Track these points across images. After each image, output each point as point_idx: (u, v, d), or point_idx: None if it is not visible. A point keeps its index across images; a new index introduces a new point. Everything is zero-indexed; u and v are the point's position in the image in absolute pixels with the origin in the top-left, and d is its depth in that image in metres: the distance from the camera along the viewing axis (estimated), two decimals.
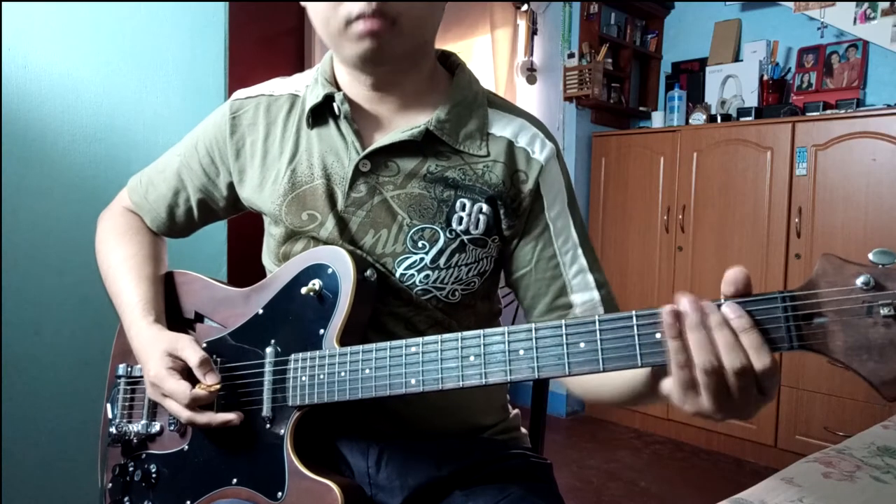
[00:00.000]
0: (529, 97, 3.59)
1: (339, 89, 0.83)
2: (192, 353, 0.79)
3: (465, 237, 0.81)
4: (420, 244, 0.80)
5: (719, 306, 0.54)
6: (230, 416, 0.77)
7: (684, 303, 0.55)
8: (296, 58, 2.94)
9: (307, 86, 0.87)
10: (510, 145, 0.83)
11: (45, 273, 1.41)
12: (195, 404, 0.77)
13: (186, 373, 0.79)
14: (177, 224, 0.97)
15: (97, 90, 1.46)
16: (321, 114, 0.84)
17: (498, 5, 3.43)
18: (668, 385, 0.59)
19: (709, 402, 0.56)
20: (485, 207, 0.81)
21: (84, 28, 1.43)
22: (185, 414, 0.78)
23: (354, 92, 0.84)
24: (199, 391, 0.77)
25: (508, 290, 0.90)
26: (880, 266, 0.49)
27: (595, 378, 0.77)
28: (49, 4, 1.38)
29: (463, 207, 0.81)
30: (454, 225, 0.81)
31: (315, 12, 0.76)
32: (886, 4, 2.85)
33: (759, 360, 0.53)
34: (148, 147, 1.53)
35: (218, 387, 0.78)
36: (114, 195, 1.04)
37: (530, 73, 3.53)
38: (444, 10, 0.81)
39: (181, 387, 0.77)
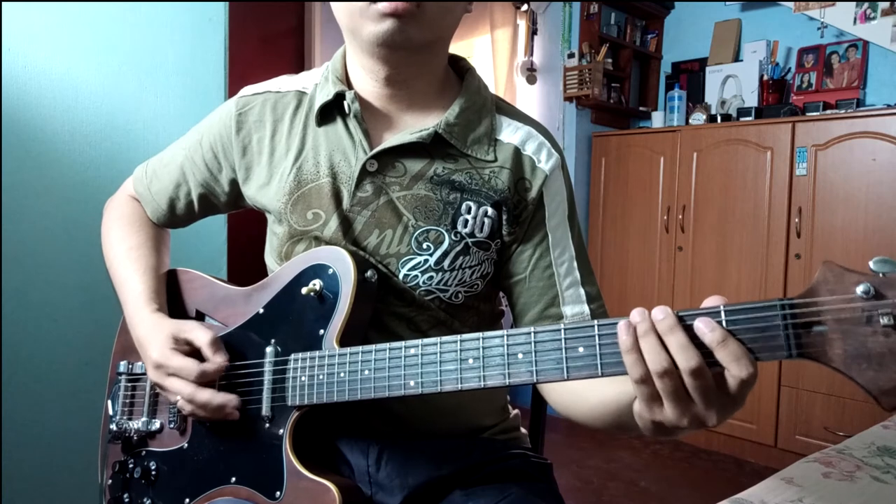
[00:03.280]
0: (529, 97, 3.59)
1: (349, 88, 0.83)
2: (201, 333, 0.79)
3: (469, 240, 0.81)
4: (425, 246, 0.80)
5: (683, 318, 0.55)
6: (230, 397, 0.77)
7: (634, 314, 0.56)
8: (296, 58, 2.94)
9: (316, 83, 0.87)
10: (517, 152, 0.83)
11: (45, 273, 1.41)
12: (202, 380, 0.77)
13: (190, 356, 0.79)
14: (177, 216, 0.98)
15: (97, 90, 1.46)
16: (329, 112, 0.84)
17: (498, 5, 3.43)
18: (636, 404, 0.59)
19: (671, 410, 0.56)
20: (490, 211, 0.81)
21: (84, 28, 1.43)
22: (187, 390, 0.77)
23: (365, 89, 0.84)
24: (207, 366, 0.77)
25: None
26: (881, 275, 0.48)
27: (572, 392, 0.78)
28: (49, 5, 1.38)
29: (468, 210, 0.81)
30: (459, 228, 0.81)
31: None
32: (886, 4, 2.85)
33: (742, 370, 0.53)
34: (148, 147, 1.53)
35: (226, 364, 0.78)
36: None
37: (530, 73, 3.53)
38: (463, 13, 0.82)
39: (188, 363, 0.78)
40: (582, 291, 0.84)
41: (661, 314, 0.55)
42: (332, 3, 0.78)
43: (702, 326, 0.54)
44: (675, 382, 0.55)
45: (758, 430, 2.88)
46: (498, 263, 0.85)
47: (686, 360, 0.53)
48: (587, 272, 0.86)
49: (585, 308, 0.84)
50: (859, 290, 0.49)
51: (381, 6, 0.71)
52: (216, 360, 0.78)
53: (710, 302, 0.55)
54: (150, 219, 0.99)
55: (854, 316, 0.49)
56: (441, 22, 0.77)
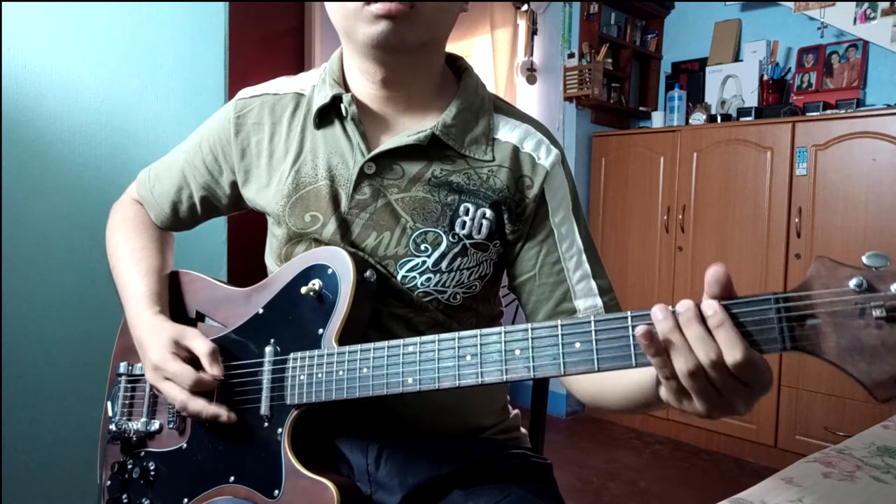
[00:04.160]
0: (529, 97, 3.59)
1: (346, 90, 0.83)
2: (201, 343, 0.80)
3: (467, 241, 0.81)
4: (423, 247, 0.81)
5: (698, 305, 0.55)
6: (221, 411, 0.78)
7: (655, 312, 0.56)
8: (296, 58, 2.94)
9: (313, 85, 0.87)
10: (515, 151, 0.83)
11: (44, 273, 1.41)
12: (196, 388, 0.78)
13: (189, 362, 0.80)
14: (180, 219, 0.98)
15: (97, 90, 1.47)
16: (327, 114, 0.84)
17: (498, 5, 3.44)
18: (663, 392, 0.59)
19: (700, 405, 0.56)
20: (488, 213, 0.81)
21: (84, 28, 1.44)
22: (181, 397, 0.78)
23: (362, 91, 0.84)
24: (203, 376, 0.78)
25: (508, 291, 0.90)
26: (873, 269, 0.49)
27: (597, 383, 0.77)
28: (49, 4, 1.38)
29: (466, 212, 0.81)
30: (457, 229, 0.81)
31: None
32: (886, 4, 2.85)
33: (731, 356, 0.53)
34: (148, 147, 1.53)
35: (221, 378, 0.79)
36: (113, 195, 1.05)
37: (530, 73, 3.53)
38: (459, 12, 0.82)
39: (185, 370, 0.78)
40: (593, 284, 0.84)
41: (683, 307, 0.55)
42: (326, 5, 0.78)
43: (705, 308, 0.54)
44: (703, 380, 0.55)
45: (758, 430, 2.88)
46: (499, 265, 0.85)
47: (707, 352, 0.54)
48: (597, 265, 0.85)
49: (598, 301, 0.83)
50: (852, 283, 0.49)
51: (375, 8, 0.71)
52: (212, 372, 0.79)
53: (714, 273, 0.55)
54: (154, 222, 0.99)
55: (847, 309, 0.49)
56: (436, 22, 0.77)
